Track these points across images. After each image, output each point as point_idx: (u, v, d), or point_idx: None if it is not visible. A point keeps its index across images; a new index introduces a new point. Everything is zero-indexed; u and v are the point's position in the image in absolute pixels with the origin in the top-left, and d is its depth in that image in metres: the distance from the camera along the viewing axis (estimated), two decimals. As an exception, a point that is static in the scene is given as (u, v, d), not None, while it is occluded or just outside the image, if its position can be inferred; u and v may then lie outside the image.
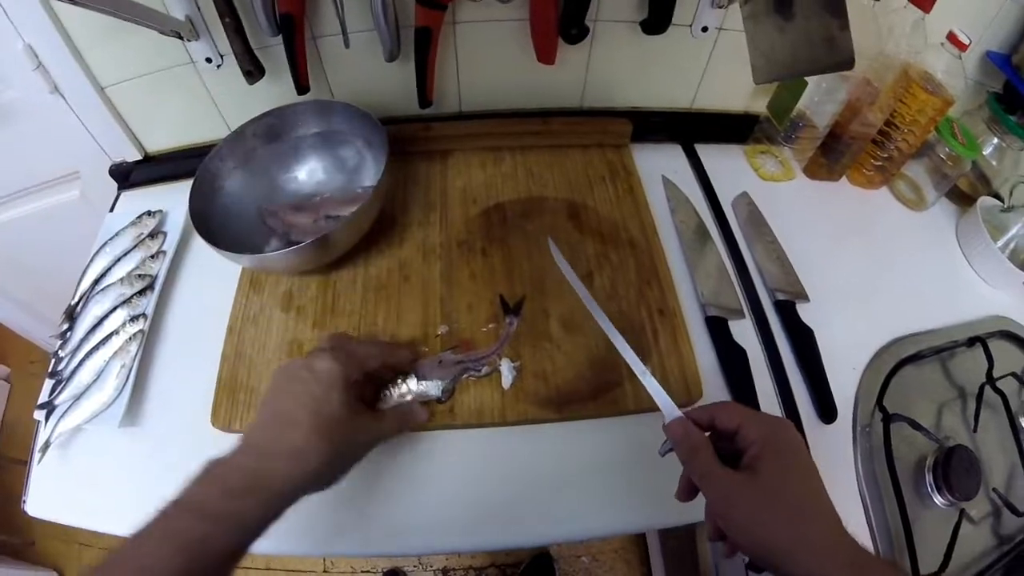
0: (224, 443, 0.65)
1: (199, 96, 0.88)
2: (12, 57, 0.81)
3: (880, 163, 0.92)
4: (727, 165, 0.95)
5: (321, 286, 0.78)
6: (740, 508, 0.47)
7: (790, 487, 0.46)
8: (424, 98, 0.84)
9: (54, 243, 1.17)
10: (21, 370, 1.90)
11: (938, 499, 0.73)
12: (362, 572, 1.61)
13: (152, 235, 0.85)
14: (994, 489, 0.76)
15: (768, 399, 0.74)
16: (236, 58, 0.79)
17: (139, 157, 0.95)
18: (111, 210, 0.94)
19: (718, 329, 0.77)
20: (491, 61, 0.86)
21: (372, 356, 0.62)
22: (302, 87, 0.82)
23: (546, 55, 0.81)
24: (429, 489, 0.66)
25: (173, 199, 0.90)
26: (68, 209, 1.12)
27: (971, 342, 0.83)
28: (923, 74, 0.85)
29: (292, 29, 0.76)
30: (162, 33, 0.75)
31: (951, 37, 0.81)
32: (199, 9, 0.76)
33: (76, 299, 0.81)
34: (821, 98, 0.86)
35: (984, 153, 0.91)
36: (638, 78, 0.91)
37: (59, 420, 0.70)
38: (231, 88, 0.87)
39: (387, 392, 0.66)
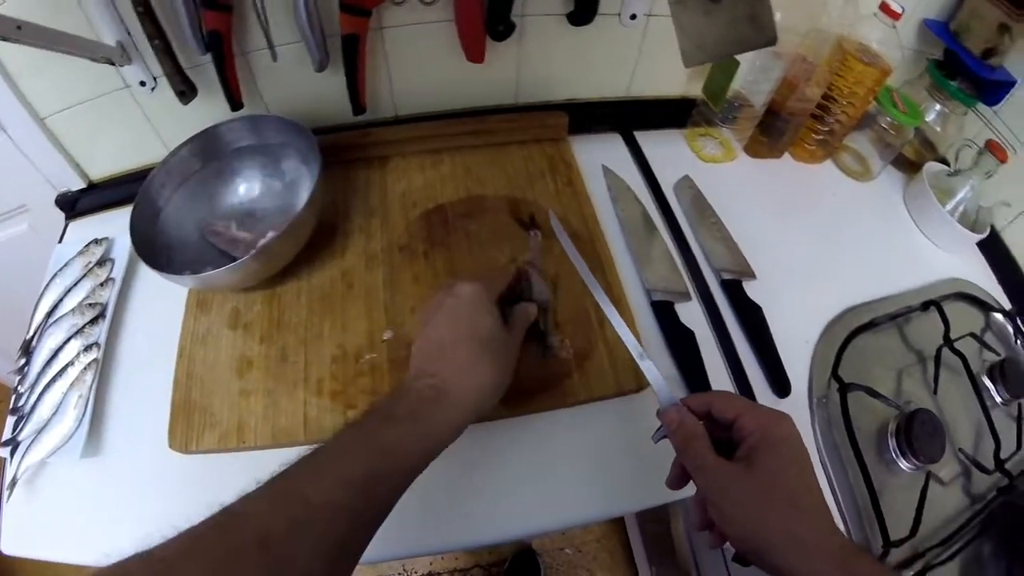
0: (185, 465, 0.69)
1: (136, 120, 0.87)
2: None
3: (822, 137, 0.92)
4: (668, 150, 0.95)
5: (266, 300, 0.77)
6: (733, 499, 0.46)
7: (784, 481, 0.46)
8: (357, 105, 0.84)
9: (6, 277, 1.17)
10: None
11: (903, 464, 0.73)
12: None
13: (100, 263, 0.84)
14: (960, 449, 0.75)
15: (720, 378, 0.73)
16: (168, 79, 0.79)
17: (83, 185, 0.95)
18: (60, 240, 0.93)
19: (664, 313, 0.76)
20: (422, 64, 0.86)
21: (500, 278, 0.64)
22: (236, 103, 0.82)
23: (475, 54, 0.81)
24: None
25: (118, 225, 0.88)
26: (18, 243, 1.11)
27: (925, 306, 0.83)
28: (858, 46, 0.85)
29: (220, 46, 0.75)
30: (93, 60, 0.74)
31: (884, 7, 0.82)
32: (129, 34, 0.75)
33: (31, 332, 0.80)
34: (756, 77, 0.86)
35: (928, 120, 0.92)
36: (571, 70, 0.91)
37: (23, 456, 0.69)
38: (167, 109, 0.86)
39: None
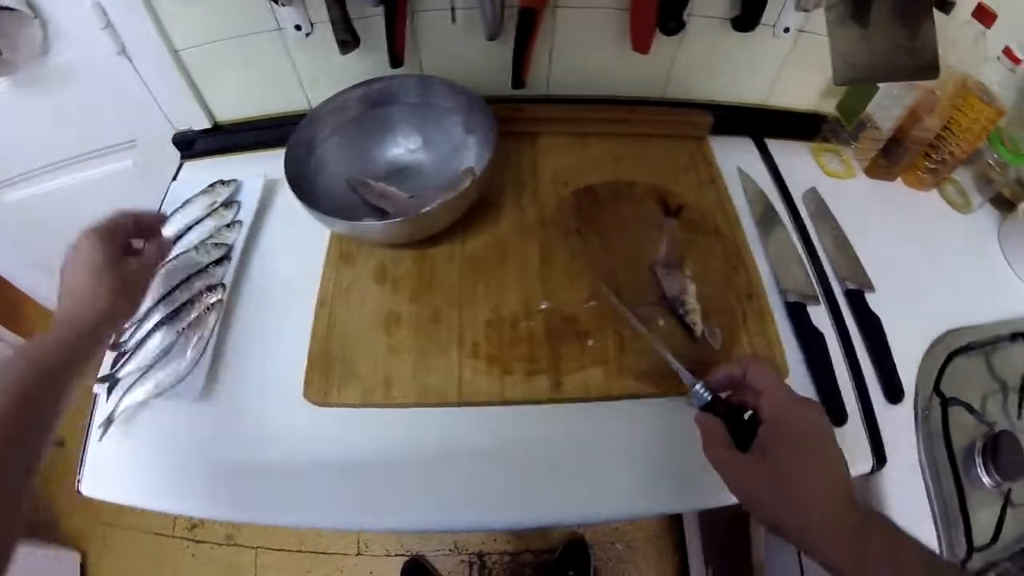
0: (317, 415, 0.70)
1: (281, 65, 0.87)
2: (78, 14, 0.78)
3: (934, 166, 0.98)
4: (794, 160, 1.01)
5: (416, 260, 0.80)
6: (748, 489, 0.52)
7: (795, 471, 0.50)
8: (519, 79, 0.86)
9: (100, 213, 1.15)
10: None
11: (986, 480, 0.80)
12: (396, 555, 1.61)
13: (226, 204, 0.84)
14: (1036, 468, 0.83)
15: (841, 380, 0.79)
16: (332, 26, 0.78)
17: (207, 126, 0.94)
18: (174, 179, 0.93)
19: (798, 314, 0.82)
20: (583, 46, 0.89)
21: (120, 220, 0.68)
22: (398, 60, 0.83)
23: (642, 44, 0.84)
24: (480, 465, 0.68)
25: (244, 169, 0.90)
26: (118, 179, 1.09)
27: (1013, 337, 0.90)
28: (979, 85, 0.91)
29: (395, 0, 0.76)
30: None
31: (1007, 52, 0.87)
32: None
33: None
34: (889, 102, 0.92)
35: (1028, 161, 0.98)
36: (719, 73, 0.95)
37: (124, 394, 0.69)
38: (316, 59, 0.86)
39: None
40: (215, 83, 0.90)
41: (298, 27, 0.82)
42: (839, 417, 0.75)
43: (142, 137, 1.02)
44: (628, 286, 0.79)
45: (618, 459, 0.70)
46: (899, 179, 1.03)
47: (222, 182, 0.87)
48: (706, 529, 1.50)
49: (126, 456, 0.68)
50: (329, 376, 0.71)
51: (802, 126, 1.03)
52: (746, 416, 0.58)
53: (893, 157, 0.98)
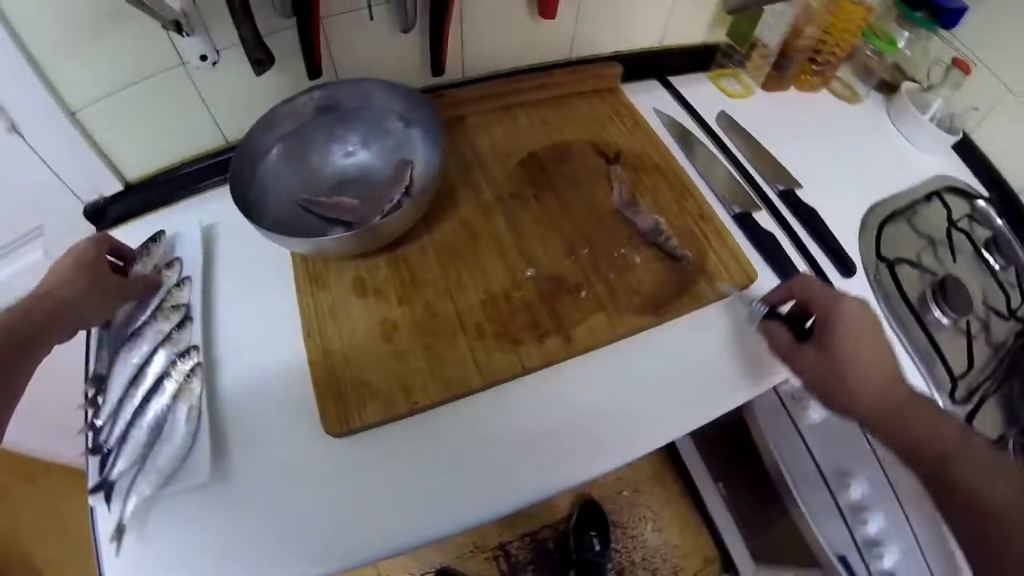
0: (338, 448, 0.67)
1: (189, 102, 0.81)
2: None
3: (820, 69, 1.09)
4: (698, 91, 1.08)
5: (390, 263, 0.79)
6: (812, 375, 0.63)
7: (845, 351, 0.60)
8: (439, 66, 0.88)
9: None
10: None
11: (944, 320, 0.89)
12: (421, 574, 1.59)
13: (167, 264, 0.78)
14: (984, 302, 0.93)
15: (799, 268, 0.86)
16: (244, 45, 0.73)
17: (119, 188, 0.88)
18: None
19: (746, 222, 0.89)
20: (493, 24, 0.91)
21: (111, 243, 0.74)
22: (316, 71, 0.81)
23: (549, 10, 0.88)
24: (510, 446, 0.70)
25: (170, 223, 0.82)
26: (31, 274, 0.97)
27: (928, 198, 1.01)
28: (847, -11, 1.01)
29: (309, 7, 0.73)
30: (163, 26, 0.68)
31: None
32: (195, 2, 0.70)
33: (97, 358, 0.72)
34: (774, 21, 1.00)
35: (899, 46, 1.10)
36: (617, 23, 1.01)
37: (127, 495, 0.61)
38: (226, 87, 0.81)
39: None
40: (121, 139, 0.82)
41: (203, 57, 0.76)
42: (810, 301, 0.81)
43: (49, 221, 0.94)
44: (598, 235, 0.83)
45: (634, 396, 0.73)
46: (792, 87, 1.12)
47: (152, 240, 0.79)
48: (703, 449, 1.58)
49: (150, 564, 0.61)
50: (344, 401, 0.68)
51: (697, 59, 1.11)
52: (806, 325, 0.67)
53: (783, 69, 1.07)
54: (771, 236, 0.87)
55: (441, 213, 0.84)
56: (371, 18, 0.80)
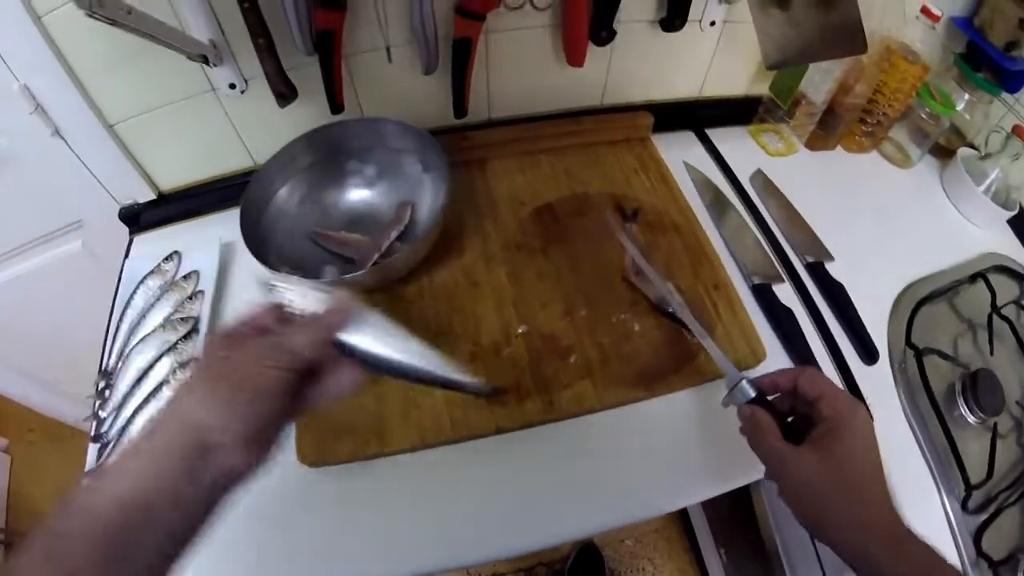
0: (312, 478, 0.67)
1: (219, 126, 0.86)
2: (4, 101, 0.75)
3: (870, 129, 1.02)
4: (735, 145, 1.04)
5: (388, 303, 0.80)
6: (802, 482, 0.52)
7: (855, 469, 0.51)
8: (461, 108, 0.87)
9: (52, 302, 1.13)
10: (19, 440, 1.79)
11: (971, 418, 0.83)
12: None
13: (185, 276, 0.83)
14: (1017, 402, 0.86)
15: (816, 351, 0.81)
16: (268, 80, 0.77)
17: (152, 197, 0.92)
18: (126, 256, 0.91)
19: (764, 295, 0.85)
20: (519, 67, 0.90)
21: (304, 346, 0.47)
22: (337, 106, 0.83)
23: (577, 57, 0.86)
24: (485, 497, 0.68)
25: (196, 236, 0.88)
26: (69, 264, 1.06)
27: (972, 278, 0.94)
28: (903, 46, 0.95)
29: (330, 46, 0.76)
30: (189, 58, 0.73)
31: (924, 10, 0.92)
32: (223, 33, 0.74)
33: (110, 353, 0.77)
34: (819, 77, 0.95)
35: (957, 109, 1.02)
36: (653, 73, 0.98)
37: None
38: (255, 115, 0.85)
39: None
40: (154, 153, 0.87)
41: (232, 85, 0.80)
42: (821, 388, 0.77)
43: (88, 216, 1.00)
44: (601, 297, 0.80)
45: (621, 464, 0.71)
46: (839, 147, 1.06)
47: (176, 253, 0.85)
48: (710, 512, 1.53)
49: None
50: (320, 435, 0.69)
51: (738, 111, 1.07)
52: (789, 420, 0.59)
53: (830, 127, 1.01)
54: (789, 312, 0.83)
55: (445, 257, 0.83)
56: (389, 60, 0.80)
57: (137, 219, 0.92)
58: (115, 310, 0.81)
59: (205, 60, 0.75)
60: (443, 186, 0.78)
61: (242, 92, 0.82)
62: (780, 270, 0.88)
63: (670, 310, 0.78)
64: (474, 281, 0.81)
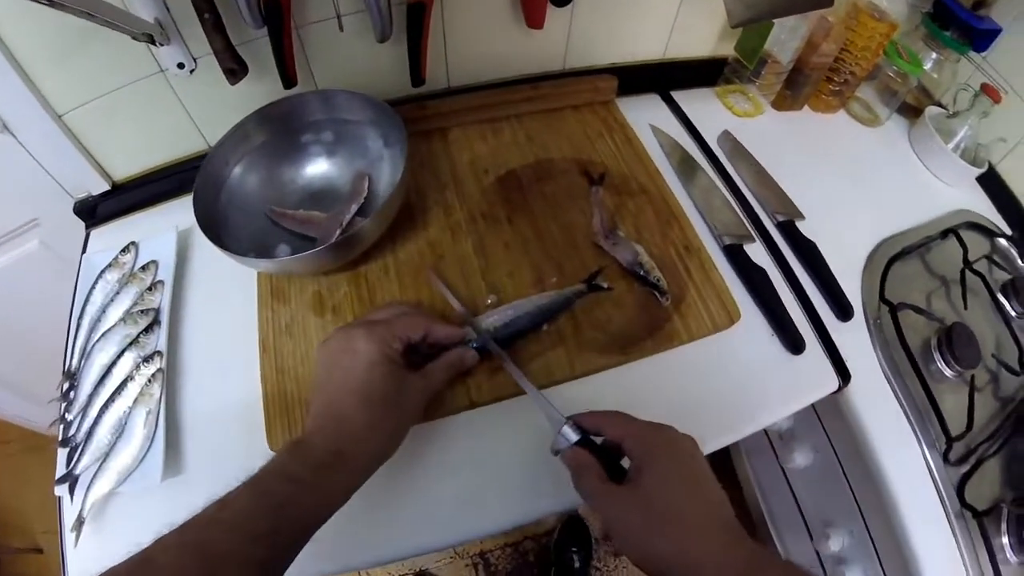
0: None
1: (170, 108, 0.83)
2: None
3: (838, 88, 1.01)
4: (702, 107, 1.02)
5: (351, 281, 0.77)
6: (623, 522, 0.49)
7: (666, 499, 0.48)
8: (418, 76, 0.84)
9: (14, 306, 1.08)
10: None
11: (948, 372, 0.82)
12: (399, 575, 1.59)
13: (143, 267, 0.79)
14: (993, 355, 0.86)
15: (792, 310, 0.80)
16: (217, 57, 0.73)
17: (107, 188, 0.88)
18: (83, 251, 0.87)
19: (736, 255, 0.83)
20: (477, 32, 0.87)
21: (412, 328, 0.61)
22: (290, 80, 0.79)
23: (536, 19, 0.83)
24: (464, 475, 0.67)
25: (154, 224, 0.85)
26: (28, 265, 1.02)
27: (944, 234, 0.93)
28: (870, 4, 0.94)
29: (280, 18, 0.72)
30: (135, 39, 0.69)
31: (892, -33, 0.90)
32: (168, 10, 0.71)
33: (72, 353, 0.74)
34: (785, 36, 0.93)
35: (925, 68, 1.01)
36: (615, 35, 0.95)
37: (88, 490, 0.63)
38: (205, 95, 0.82)
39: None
40: (106, 141, 0.84)
41: (181, 65, 0.77)
42: (797, 346, 0.76)
43: (43, 214, 0.96)
44: (571, 263, 0.78)
45: None
46: (806, 107, 1.05)
47: (133, 244, 0.82)
48: None
49: (107, 555, 0.62)
50: (291, 420, 0.67)
51: (704, 73, 1.05)
52: (622, 462, 0.54)
53: (797, 87, 1.00)
54: (762, 271, 0.81)
55: (410, 232, 0.81)
56: (340, 29, 0.77)
57: (93, 212, 0.89)
58: (75, 307, 0.78)
59: (151, 40, 0.71)
60: (401, 155, 0.75)
61: (191, 72, 0.78)
62: (751, 230, 0.87)
63: (641, 273, 0.76)
64: (440, 254, 0.79)
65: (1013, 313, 0.91)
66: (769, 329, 0.78)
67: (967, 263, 0.90)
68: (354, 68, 0.86)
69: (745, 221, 0.87)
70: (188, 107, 0.84)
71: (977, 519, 0.72)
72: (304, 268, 0.76)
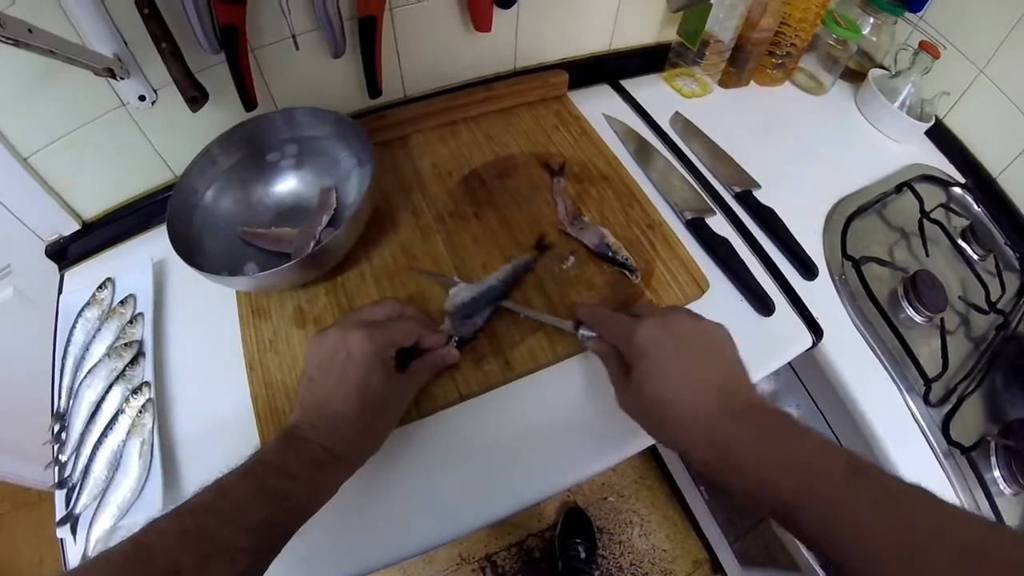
0: None
1: (135, 142, 0.82)
2: None
3: (780, 61, 1.05)
4: (652, 92, 1.05)
5: (329, 291, 0.78)
6: (630, 411, 0.58)
7: (649, 386, 0.54)
8: (374, 88, 0.86)
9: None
10: None
11: (917, 318, 0.85)
12: None
13: (122, 301, 0.79)
14: (960, 297, 0.88)
15: (758, 275, 0.82)
16: (177, 86, 0.73)
17: (77, 227, 0.88)
18: (59, 292, 0.87)
19: (699, 228, 0.85)
20: (428, 41, 0.89)
21: (408, 336, 0.64)
22: (251, 103, 0.80)
23: (483, 23, 0.86)
24: (458, 468, 0.67)
25: (127, 259, 0.86)
26: (4, 311, 0.99)
27: (899, 188, 0.96)
28: (801, -24, 0.97)
29: (235, 42, 0.73)
30: (96, 74, 0.69)
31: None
32: (126, 43, 0.71)
33: (59, 395, 0.74)
34: (724, 16, 0.97)
35: (864, 33, 1.05)
36: (561, 31, 0.98)
37: (90, 528, 0.63)
38: (168, 125, 0.82)
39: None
40: (73, 180, 0.83)
41: (142, 97, 0.77)
42: (766, 308, 0.78)
43: (15, 260, 0.96)
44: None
45: (583, 413, 0.70)
46: (752, 82, 1.09)
47: (110, 280, 0.82)
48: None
49: None
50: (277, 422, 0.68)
51: (651, 59, 1.08)
52: None
53: (741, 64, 1.03)
54: (726, 242, 0.83)
55: (380, 238, 0.82)
56: (296, 48, 0.78)
57: (65, 253, 0.88)
58: (57, 349, 0.78)
59: (112, 74, 0.71)
60: (367, 164, 0.77)
61: (152, 103, 0.78)
62: (710, 203, 0.89)
63: (609, 254, 0.78)
64: (413, 255, 0.80)
65: (975, 256, 0.94)
66: (739, 295, 0.80)
67: (924, 213, 0.93)
68: (312, 86, 0.87)
69: (704, 196, 0.90)
70: (152, 139, 0.83)
71: (966, 455, 0.75)
72: (282, 282, 0.76)
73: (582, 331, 0.66)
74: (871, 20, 1.04)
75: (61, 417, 0.72)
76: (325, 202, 0.82)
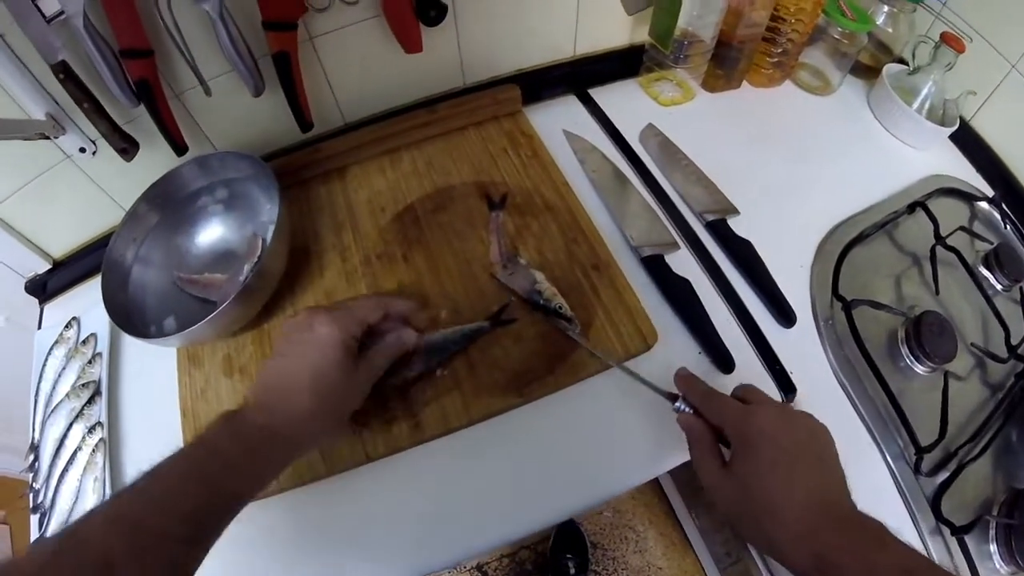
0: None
1: (85, 188, 0.84)
2: None
3: (776, 59, 0.91)
4: (625, 101, 0.94)
5: (256, 340, 0.75)
6: (720, 500, 0.52)
7: (757, 485, 0.48)
8: (303, 121, 0.81)
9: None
10: (13, 509, 1.82)
11: (919, 368, 0.73)
12: None
13: (84, 340, 0.82)
14: (972, 344, 0.75)
15: (724, 321, 0.72)
16: (106, 139, 0.75)
17: (48, 266, 0.92)
18: (39, 327, 0.90)
19: (656, 267, 0.75)
20: (360, 66, 0.83)
21: (372, 310, 0.62)
22: (180, 148, 0.79)
23: (412, 44, 0.78)
24: (407, 513, 0.64)
25: (90, 297, 0.86)
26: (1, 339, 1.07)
27: (911, 208, 0.82)
28: (796, -41, 0.83)
29: (151, 93, 0.72)
30: (27, 139, 0.72)
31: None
32: (57, 103, 0.72)
33: (33, 428, 0.77)
34: (700, 11, 0.84)
35: (878, 22, 0.90)
36: (512, 39, 0.89)
37: None
38: (114, 170, 0.83)
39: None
40: (38, 224, 0.87)
41: (83, 149, 0.79)
42: (726, 364, 0.68)
43: (3, 294, 1.00)
44: (466, 299, 0.72)
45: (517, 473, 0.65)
46: (745, 83, 0.95)
47: (75, 319, 0.85)
48: (677, 477, 1.48)
49: None
50: None
51: (625, 64, 0.96)
52: None
53: (729, 63, 0.90)
54: (686, 283, 0.73)
55: (307, 281, 0.77)
56: (208, 93, 0.75)
57: (43, 288, 0.92)
58: (31, 384, 0.81)
59: (44, 136, 0.74)
60: (280, 209, 0.72)
61: (93, 153, 0.80)
62: (675, 235, 0.78)
63: (541, 301, 0.70)
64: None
65: (998, 287, 0.80)
66: (696, 347, 0.70)
67: (939, 238, 0.79)
68: (243, 125, 0.84)
69: (668, 226, 0.79)
70: (101, 184, 0.85)
71: (957, 536, 0.63)
72: (203, 336, 0.74)
73: (679, 404, 0.58)
74: (886, 8, 0.89)
75: (35, 448, 0.75)
76: (252, 248, 0.78)
